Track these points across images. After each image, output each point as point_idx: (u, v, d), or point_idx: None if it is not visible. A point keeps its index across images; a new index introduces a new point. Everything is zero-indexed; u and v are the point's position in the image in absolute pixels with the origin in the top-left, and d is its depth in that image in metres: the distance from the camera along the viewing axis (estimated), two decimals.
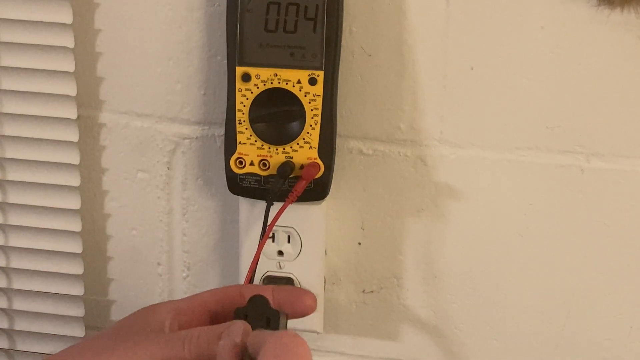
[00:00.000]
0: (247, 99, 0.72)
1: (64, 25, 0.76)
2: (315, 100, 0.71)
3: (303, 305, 0.55)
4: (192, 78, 0.78)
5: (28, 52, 0.78)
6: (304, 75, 0.71)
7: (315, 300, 0.55)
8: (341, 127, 0.75)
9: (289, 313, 0.56)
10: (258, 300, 0.55)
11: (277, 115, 0.72)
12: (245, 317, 0.54)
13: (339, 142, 0.76)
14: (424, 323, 0.81)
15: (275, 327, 0.54)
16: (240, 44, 0.72)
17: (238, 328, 0.52)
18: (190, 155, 0.81)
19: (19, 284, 0.86)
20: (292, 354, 0.47)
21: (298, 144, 0.72)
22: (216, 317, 0.57)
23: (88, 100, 0.81)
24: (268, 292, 0.57)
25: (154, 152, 0.81)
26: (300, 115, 0.72)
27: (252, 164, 0.73)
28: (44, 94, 0.79)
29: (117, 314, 0.87)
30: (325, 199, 0.75)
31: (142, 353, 0.52)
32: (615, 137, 0.73)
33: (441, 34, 0.73)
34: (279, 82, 0.71)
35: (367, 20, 0.73)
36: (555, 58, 0.72)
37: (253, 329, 0.52)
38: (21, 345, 0.88)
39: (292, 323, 0.79)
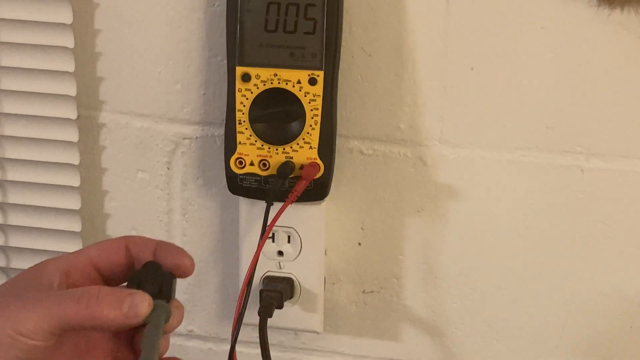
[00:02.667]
0: (247, 99, 0.72)
1: (64, 25, 0.76)
2: (315, 100, 0.71)
3: (185, 267, 0.56)
4: (192, 78, 0.78)
5: (28, 52, 0.78)
6: (304, 75, 0.71)
7: (193, 262, 0.56)
8: (341, 127, 0.75)
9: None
10: (152, 266, 0.56)
11: (277, 115, 0.72)
12: (138, 283, 0.55)
13: (339, 142, 0.76)
14: (424, 323, 0.81)
15: (168, 292, 0.55)
16: (240, 44, 0.72)
17: (143, 299, 0.53)
18: (190, 155, 0.81)
19: None
20: None
21: (298, 144, 0.72)
22: (103, 272, 0.57)
23: (88, 100, 0.81)
24: (151, 248, 0.57)
25: (154, 152, 0.81)
26: (300, 115, 0.72)
27: (252, 164, 0.73)
28: (44, 94, 0.79)
29: None
30: (325, 199, 0.75)
31: (36, 310, 0.52)
32: (615, 137, 0.73)
33: (441, 34, 0.73)
34: (279, 82, 0.71)
35: (367, 20, 0.73)
36: (555, 58, 0.72)
37: (147, 292, 0.53)
38: None
39: (292, 324, 0.80)
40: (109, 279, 0.58)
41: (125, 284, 0.56)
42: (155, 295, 0.54)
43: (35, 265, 0.57)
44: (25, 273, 0.57)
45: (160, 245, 0.57)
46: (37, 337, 0.51)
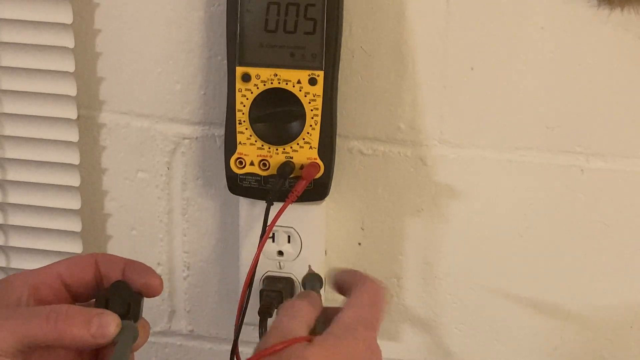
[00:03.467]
0: (247, 99, 0.72)
1: (64, 25, 0.76)
2: (315, 100, 0.71)
3: (153, 286, 0.56)
4: (192, 78, 0.78)
5: (28, 52, 0.78)
6: (304, 75, 0.71)
7: (162, 282, 0.56)
8: (341, 127, 0.75)
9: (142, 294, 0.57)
10: (120, 286, 0.56)
11: (277, 115, 0.72)
12: (106, 302, 0.55)
13: (339, 142, 0.76)
14: (424, 323, 0.81)
15: (136, 312, 0.55)
16: (240, 44, 0.72)
17: (111, 320, 0.53)
18: (190, 156, 0.81)
19: None
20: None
21: (298, 144, 0.72)
22: (71, 288, 0.57)
23: (88, 100, 0.81)
24: (120, 266, 0.57)
25: (154, 152, 0.81)
26: (300, 115, 0.72)
27: (252, 164, 0.73)
28: (44, 94, 0.79)
29: None
30: (325, 199, 0.75)
31: (3, 327, 0.51)
32: (615, 137, 0.73)
33: (441, 34, 0.73)
34: (279, 82, 0.71)
35: (367, 20, 0.73)
36: (555, 58, 0.72)
37: (115, 312, 0.54)
38: None
39: None
40: (77, 296, 0.58)
41: (94, 301, 0.56)
42: (123, 315, 0.54)
43: (1, 279, 0.57)
44: None
45: (129, 263, 0.57)
46: (4, 354, 0.51)
